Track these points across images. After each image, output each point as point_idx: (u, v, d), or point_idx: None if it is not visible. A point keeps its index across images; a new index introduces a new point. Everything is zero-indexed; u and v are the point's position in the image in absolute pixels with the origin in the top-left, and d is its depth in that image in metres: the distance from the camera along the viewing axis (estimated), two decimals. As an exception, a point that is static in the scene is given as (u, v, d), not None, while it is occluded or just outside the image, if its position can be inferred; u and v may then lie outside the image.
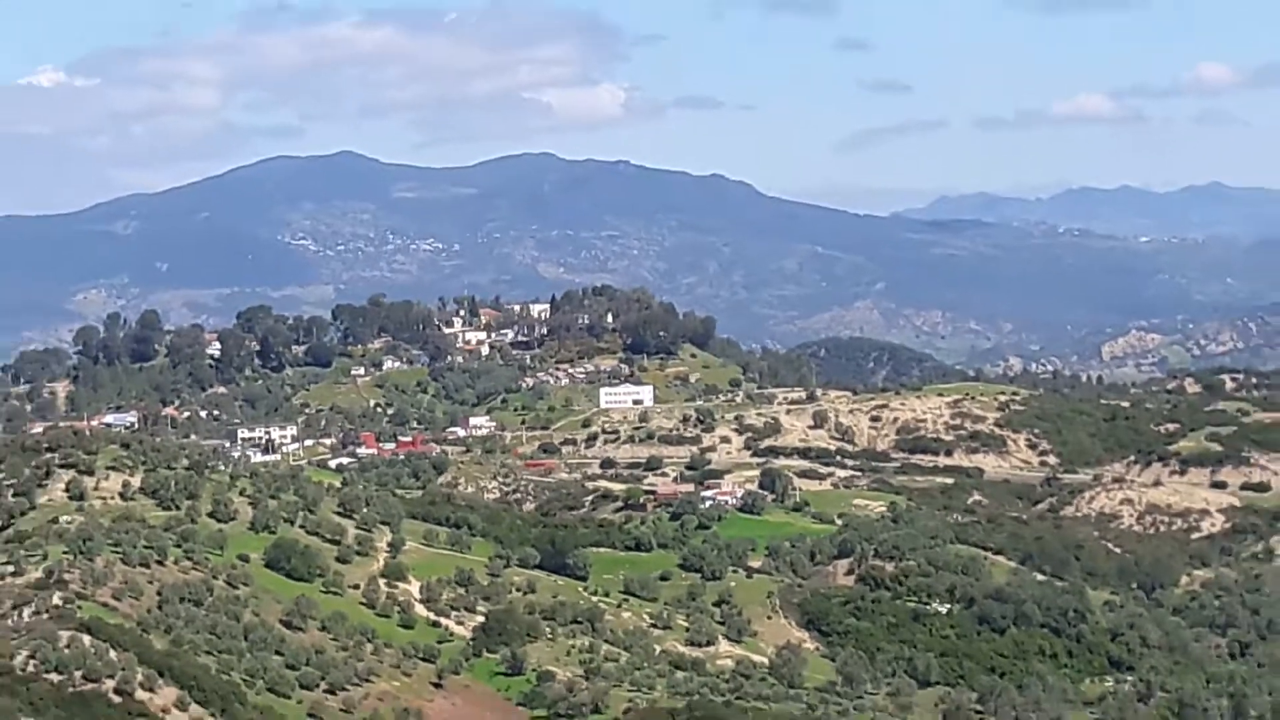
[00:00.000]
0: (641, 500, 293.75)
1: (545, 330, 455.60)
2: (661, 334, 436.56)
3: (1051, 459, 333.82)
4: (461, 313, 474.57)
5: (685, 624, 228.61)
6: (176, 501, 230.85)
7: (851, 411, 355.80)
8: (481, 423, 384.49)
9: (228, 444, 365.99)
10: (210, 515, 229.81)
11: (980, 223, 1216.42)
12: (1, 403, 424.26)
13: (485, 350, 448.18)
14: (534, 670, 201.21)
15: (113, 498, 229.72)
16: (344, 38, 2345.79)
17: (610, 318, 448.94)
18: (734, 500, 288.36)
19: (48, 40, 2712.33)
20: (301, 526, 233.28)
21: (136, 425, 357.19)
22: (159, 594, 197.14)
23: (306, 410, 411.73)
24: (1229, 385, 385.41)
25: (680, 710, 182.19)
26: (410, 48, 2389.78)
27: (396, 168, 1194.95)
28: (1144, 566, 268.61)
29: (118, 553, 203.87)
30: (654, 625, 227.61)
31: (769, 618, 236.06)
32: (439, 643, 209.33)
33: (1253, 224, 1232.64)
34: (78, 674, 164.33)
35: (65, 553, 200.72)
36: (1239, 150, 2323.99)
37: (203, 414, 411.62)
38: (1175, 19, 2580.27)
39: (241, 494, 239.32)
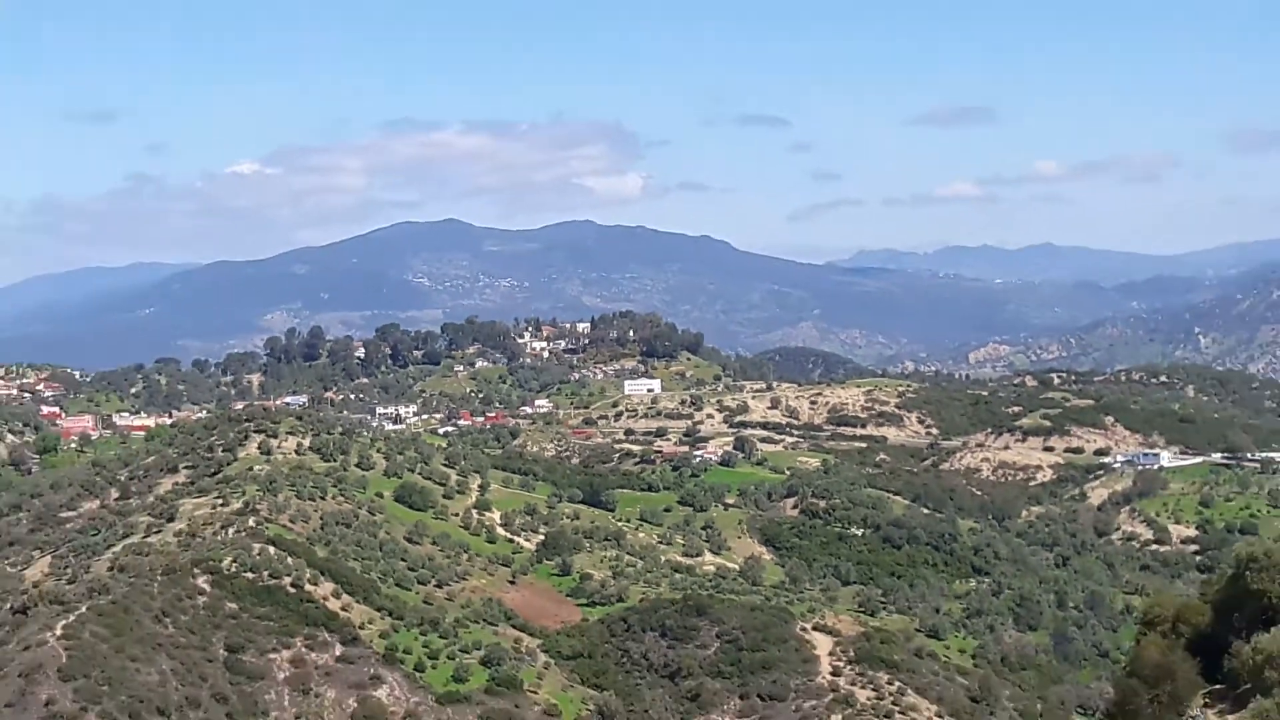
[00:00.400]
0: (652, 457, 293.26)
1: (587, 341, 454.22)
2: (667, 344, 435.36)
3: (934, 430, 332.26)
4: (529, 329, 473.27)
5: (681, 542, 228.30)
6: (333, 456, 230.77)
7: (797, 397, 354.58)
8: (543, 404, 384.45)
9: (369, 417, 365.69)
10: (356, 465, 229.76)
11: (887, 269, 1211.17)
12: (214, 388, 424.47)
13: (545, 354, 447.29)
14: (578, 573, 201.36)
15: (290, 453, 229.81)
16: (449, 141, 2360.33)
17: (631, 333, 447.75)
18: (716, 457, 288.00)
19: (247, 142, 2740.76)
20: (419, 473, 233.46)
21: (306, 404, 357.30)
22: (321, 519, 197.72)
23: (423, 395, 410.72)
24: (1056, 381, 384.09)
25: (678, 600, 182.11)
26: (495, 147, 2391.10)
27: (486, 230, 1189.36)
28: (997, 504, 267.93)
29: (293, 490, 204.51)
30: (660, 542, 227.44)
31: (739, 538, 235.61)
32: (513, 553, 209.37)
33: (1074, 271, 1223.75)
34: (265, 573, 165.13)
35: (257, 490, 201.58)
36: (1065, 220, 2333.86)
37: (352, 397, 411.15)
38: (1021, 130, 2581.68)
39: (378, 451, 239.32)
